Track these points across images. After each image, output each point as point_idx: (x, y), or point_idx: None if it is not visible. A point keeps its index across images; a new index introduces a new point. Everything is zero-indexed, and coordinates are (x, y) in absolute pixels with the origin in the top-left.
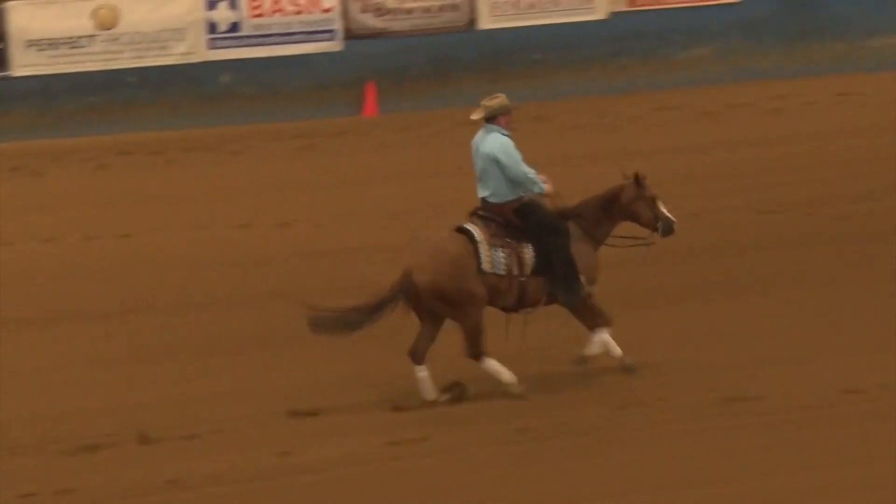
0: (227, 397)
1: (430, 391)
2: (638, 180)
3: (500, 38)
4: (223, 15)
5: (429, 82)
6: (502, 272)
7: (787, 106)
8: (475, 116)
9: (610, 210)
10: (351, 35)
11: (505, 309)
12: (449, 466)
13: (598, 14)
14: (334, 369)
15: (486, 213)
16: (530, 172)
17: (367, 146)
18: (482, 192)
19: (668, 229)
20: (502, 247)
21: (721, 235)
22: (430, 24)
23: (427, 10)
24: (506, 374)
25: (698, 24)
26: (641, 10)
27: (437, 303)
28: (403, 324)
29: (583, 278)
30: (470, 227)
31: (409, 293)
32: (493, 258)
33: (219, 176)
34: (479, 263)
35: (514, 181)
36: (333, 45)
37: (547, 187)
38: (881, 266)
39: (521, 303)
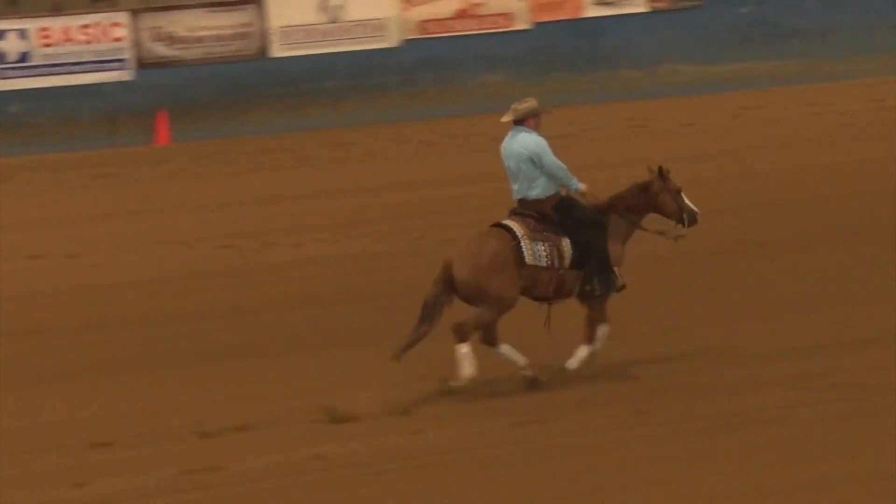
0: (22, 430)
1: (470, 368)
2: (662, 174)
3: (293, 67)
4: (12, 45)
5: (221, 111)
6: (544, 264)
7: (575, 132)
8: (505, 119)
9: (638, 202)
10: (142, 64)
11: (538, 299)
12: (241, 498)
13: (391, 42)
14: (133, 399)
15: (523, 210)
16: (566, 167)
17: (160, 175)
18: (523, 194)
19: (692, 220)
20: (542, 241)
21: None
22: (222, 53)
23: (218, 38)
24: (467, 368)
25: (490, 52)
26: (433, 38)
27: (472, 293)
28: (205, 352)
29: (617, 271)
30: (509, 223)
31: (447, 283)
32: (535, 251)
33: (8, 207)
34: (522, 258)
35: (552, 176)
36: (124, 75)
37: (582, 186)
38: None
39: (557, 293)
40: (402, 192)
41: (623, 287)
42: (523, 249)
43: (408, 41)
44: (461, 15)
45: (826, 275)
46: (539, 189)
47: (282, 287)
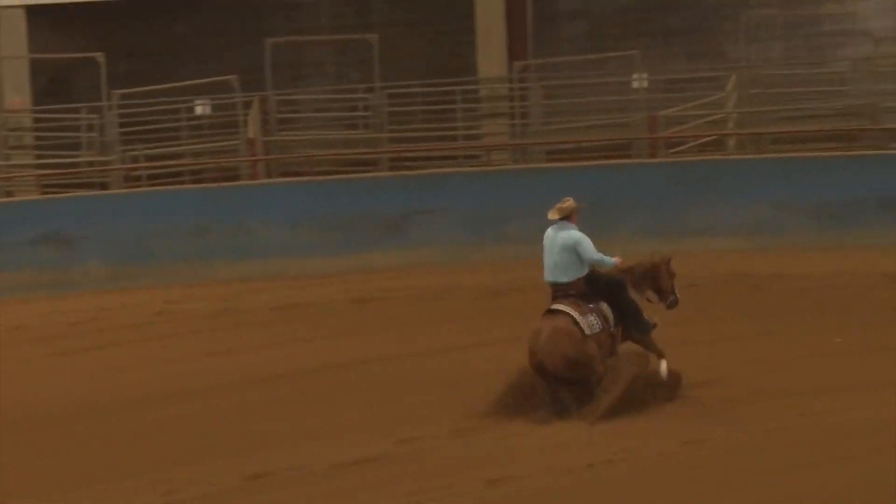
0: None
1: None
2: (667, 262)
3: None
4: None
5: None
6: (598, 330)
7: None
8: (552, 216)
9: (646, 279)
10: None
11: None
12: None
13: None
14: None
15: (562, 291)
16: (599, 253)
17: None
18: (559, 278)
19: (674, 303)
20: (590, 312)
21: None
22: None
23: None
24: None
25: None
26: None
27: (568, 369)
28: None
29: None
30: (559, 307)
31: (542, 373)
32: (589, 323)
33: None
34: (583, 332)
35: (590, 261)
36: None
37: (616, 260)
38: None
39: (613, 350)
40: None
41: (655, 325)
42: (582, 325)
43: None
44: None
45: None
46: (574, 273)
47: None
